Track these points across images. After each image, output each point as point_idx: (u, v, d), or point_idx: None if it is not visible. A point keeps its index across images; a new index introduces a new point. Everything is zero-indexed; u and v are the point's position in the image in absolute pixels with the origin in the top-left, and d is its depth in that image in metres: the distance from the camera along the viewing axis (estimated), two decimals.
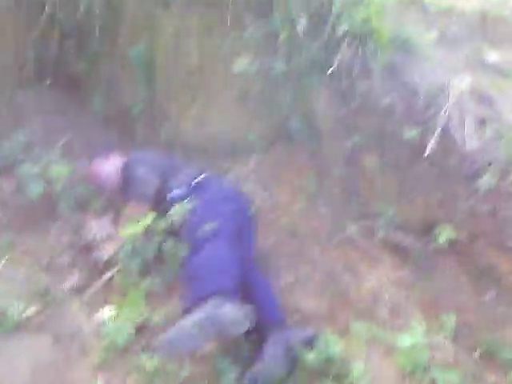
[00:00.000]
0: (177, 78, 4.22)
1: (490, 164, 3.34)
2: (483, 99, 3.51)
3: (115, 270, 3.09)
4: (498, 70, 3.83)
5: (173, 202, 3.22)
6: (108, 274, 3.12)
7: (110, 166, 3.75)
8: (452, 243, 3.46)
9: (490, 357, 3.04)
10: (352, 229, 3.61)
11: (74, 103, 4.78)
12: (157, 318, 2.88)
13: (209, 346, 2.81)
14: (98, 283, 3.10)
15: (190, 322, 2.59)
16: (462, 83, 3.50)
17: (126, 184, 3.52)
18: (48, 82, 4.76)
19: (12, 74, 4.77)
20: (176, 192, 3.33)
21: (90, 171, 3.78)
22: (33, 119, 4.58)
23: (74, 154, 4.16)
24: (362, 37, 3.59)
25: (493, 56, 3.90)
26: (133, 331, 2.76)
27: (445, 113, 3.44)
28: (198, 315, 2.60)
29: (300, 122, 3.83)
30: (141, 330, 2.85)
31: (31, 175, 3.66)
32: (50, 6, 4.57)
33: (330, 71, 3.65)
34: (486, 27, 4.10)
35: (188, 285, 2.84)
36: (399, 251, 3.58)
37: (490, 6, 4.16)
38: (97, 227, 3.45)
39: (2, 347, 2.52)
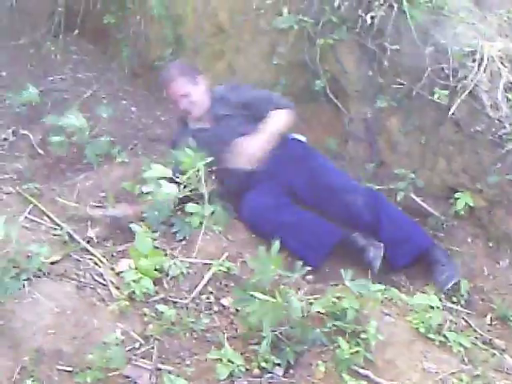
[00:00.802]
0: (205, 32, 4.21)
1: None
2: None
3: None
4: None
5: None
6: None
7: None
8: (471, 210, 3.45)
9: (501, 322, 3.06)
10: None
11: (101, 55, 4.81)
12: (176, 271, 2.94)
13: (228, 301, 2.88)
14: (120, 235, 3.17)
15: None
16: (492, 48, 3.44)
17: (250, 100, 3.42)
18: (76, 33, 4.80)
19: (41, 22, 4.80)
20: None
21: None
22: (60, 69, 4.63)
23: (101, 106, 4.20)
24: None
25: None
26: (151, 283, 2.81)
27: (474, 76, 3.39)
28: None
29: (326, 81, 3.81)
30: (159, 281, 2.92)
31: (58, 126, 3.69)
32: None
33: (360, 29, 3.62)
34: None
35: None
36: (418, 215, 3.58)
37: None
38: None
39: (26, 292, 2.59)
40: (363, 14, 3.61)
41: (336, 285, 2.83)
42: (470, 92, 3.38)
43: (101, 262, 2.94)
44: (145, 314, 2.69)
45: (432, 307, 2.78)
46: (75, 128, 3.67)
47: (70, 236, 3.07)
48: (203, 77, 3.56)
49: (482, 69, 3.40)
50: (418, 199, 3.58)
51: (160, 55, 4.40)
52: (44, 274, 2.73)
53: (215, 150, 3.21)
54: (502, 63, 3.44)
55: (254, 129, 3.27)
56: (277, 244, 2.60)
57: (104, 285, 2.83)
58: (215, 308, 2.85)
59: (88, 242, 3.10)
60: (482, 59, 3.41)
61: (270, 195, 3.24)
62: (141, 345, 2.55)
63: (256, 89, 3.54)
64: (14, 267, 2.63)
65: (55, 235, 3.09)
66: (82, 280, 2.80)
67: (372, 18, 3.59)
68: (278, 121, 3.23)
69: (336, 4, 3.65)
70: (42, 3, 4.79)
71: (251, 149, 3.14)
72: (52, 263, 2.82)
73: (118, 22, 4.71)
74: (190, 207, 3.20)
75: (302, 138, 3.50)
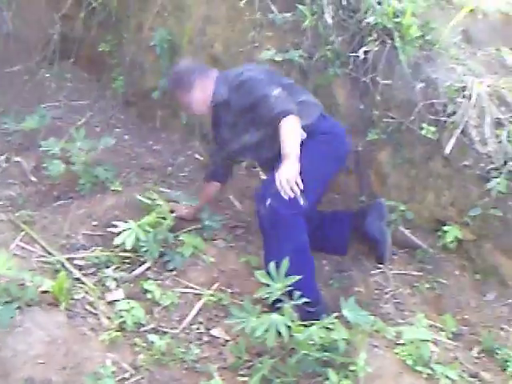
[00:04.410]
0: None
1: (504, 166, 3.36)
2: (501, 101, 3.51)
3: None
4: None
5: None
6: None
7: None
8: (459, 243, 3.50)
9: (488, 355, 3.08)
10: None
11: (96, 83, 4.86)
12: (167, 301, 2.96)
13: (218, 332, 2.90)
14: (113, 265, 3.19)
15: None
16: (481, 84, 3.51)
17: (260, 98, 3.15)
18: (71, 61, 4.85)
19: (36, 50, 4.85)
20: None
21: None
22: (55, 96, 4.67)
23: (94, 134, 4.25)
24: (389, 31, 3.60)
25: None
26: (143, 313, 2.83)
27: (464, 112, 3.46)
28: None
29: None
30: (150, 311, 2.94)
31: (52, 153, 3.72)
32: None
33: (353, 63, 3.69)
34: (508, 29, 4.09)
35: None
36: (407, 247, 3.63)
37: None
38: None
39: (18, 321, 2.60)
40: (357, 49, 3.68)
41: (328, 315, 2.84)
42: (459, 127, 3.44)
43: (92, 290, 2.95)
44: (135, 344, 2.71)
45: (420, 340, 2.81)
46: (71, 156, 3.70)
47: (62, 264, 3.08)
48: (204, 75, 3.37)
49: (471, 105, 3.47)
50: (406, 231, 3.62)
51: (154, 84, 4.44)
52: (35, 303, 2.74)
53: (224, 136, 3.40)
54: (490, 99, 3.50)
55: (257, 132, 3.24)
56: (286, 263, 2.64)
57: (95, 314, 2.84)
58: (205, 338, 2.88)
59: (79, 269, 3.11)
60: (471, 95, 3.48)
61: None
62: (131, 375, 2.57)
63: (255, 87, 3.19)
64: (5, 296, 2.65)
65: (46, 263, 3.10)
66: (73, 309, 2.81)
67: (365, 53, 3.65)
68: (292, 135, 2.99)
69: (330, 39, 3.72)
70: (37, 30, 4.83)
71: (291, 180, 2.84)
72: (43, 292, 2.82)
73: (113, 50, 4.77)
74: (183, 236, 3.25)
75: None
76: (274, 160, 3.03)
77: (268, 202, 2.96)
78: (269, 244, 3.11)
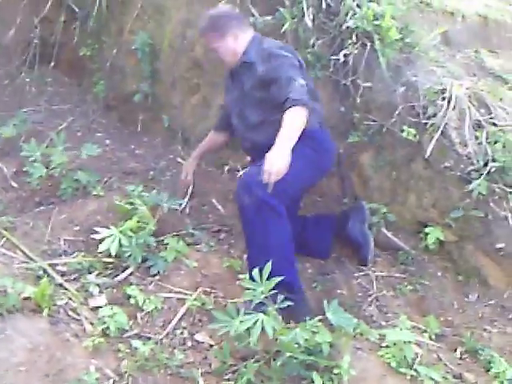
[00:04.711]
0: (180, 67, 4.26)
1: (484, 167, 3.38)
2: (481, 103, 3.55)
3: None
4: (495, 75, 3.88)
5: None
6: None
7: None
8: (441, 244, 3.53)
9: (471, 356, 3.10)
10: None
11: (77, 88, 4.84)
12: (150, 306, 2.96)
13: (202, 336, 2.90)
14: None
15: None
16: (461, 86, 3.54)
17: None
18: (51, 65, 4.82)
19: (16, 54, 4.82)
20: None
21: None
22: (35, 101, 4.64)
23: (76, 138, 4.23)
24: (369, 34, 3.62)
25: (491, 61, 3.95)
26: (126, 318, 2.82)
27: (444, 114, 3.48)
28: None
29: None
30: (134, 316, 2.92)
31: (33, 159, 3.69)
32: None
33: (333, 66, 3.70)
34: (486, 32, 4.14)
35: None
36: (389, 249, 3.65)
37: (491, 10, 4.20)
38: None
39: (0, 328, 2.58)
40: (337, 52, 3.69)
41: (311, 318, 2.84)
42: (440, 129, 3.47)
43: (75, 296, 2.94)
44: (119, 350, 2.69)
45: (404, 342, 2.82)
46: (52, 160, 3.68)
47: (44, 270, 3.06)
48: (241, 27, 3.30)
49: (451, 106, 3.49)
50: (389, 234, 3.64)
51: (135, 88, 4.43)
52: (17, 310, 2.71)
53: (232, 95, 3.37)
54: (469, 101, 3.54)
55: (258, 114, 3.22)
56: (269, 266, 2.65)
57: (78, 320, 2.82)
58: (189, 343, 2.87)
59: (62, 275, 3.09)
60: (450, 97, 3.51)
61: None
62: (115, 381, 2.55)
63: (284, 67, 3.11)
64: None
65: (28, 269, 3.07)
66: (56, 315, 2.79)
67: (345, 56, 3.67)
68: (296, 124, 2.95)
69: (311, 42, 3.73)
70: (17, 35, 4.80)
71: (279, 164, 2.84)
72: (25, 298, 2.80)
73: (94, 54, 4.75)
74: (166, 241, 3.25)
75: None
76: (261, 146, 3.01)
77: (254, 190, 2.93)
78: (253, 232, 3.04)
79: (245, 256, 3.35)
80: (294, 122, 2.93)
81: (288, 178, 2.85)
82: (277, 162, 2.81)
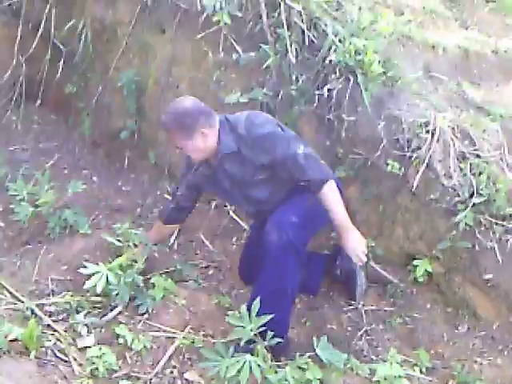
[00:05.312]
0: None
1: (470, 199, 3.41)
2: (464, 135, 3.59)
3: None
4: (477, 106, 3.92)
5: None
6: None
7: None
8: (430, 276, 3.54)
9: None
10: None
11: (63, 125, 4.85)
12: (139, 345, 2.93)
13: (192, 375, 2.87)
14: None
15: None
16: (444, 119, 3.58)
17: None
18: (38, 103, 4.83)
19: (2, 92, 4.82)
20: None
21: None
22: (22, 139, 4.65)
23: (62, 176, 4.23)
24: (352, 69, 3.66)
25: (473, 93, 4.00)
26: (115, 358, 2.79)
27: (428, 147, 3.51)
28: None
29: None
30: (122, 356, 2.90)
31: (20, 197, 3.69)
32: (44, 25, 4.65)
33: (318, 101, 3.73)
34: (467, 64, 4.19)
35: None
36: (378, 283, 3.65)
37: (472, 42, 4.27)
38: None
39: None
40: (321, 87, 3.73)
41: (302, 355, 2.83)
42: (424, 162, 3.50)
43: (63, 337, 2.91)
44: None
45: (394, 376, 2.82)
46: (39, 199, 3.67)
47: (32, 311, 3.04)
48: (208, 123, 3.07)
49: (435, 139, 3.53)
50: (377, 267, 3.65)
51: (122, 125, 4.45)
52: (4, 353, 2.68)
53: (222, 185, 3.25)
54: (453, 134, 3.57)
55: (267, 188, 3.17)
56: (257, 303, 2.66)
57: (66, 361, 2.80)
58: (179, 383, 2.85)
59: (50, 316, 3.07)
60: (434, 130, 3.54)
61: None
62: None
63: (277, 144, 3.04)
64: None
65: (16, 310, 3.05)
66: (44, 357, 2.76)
67: (329, 90, 3.70)
68: (337, 202, 3.06)
69: (294, 78, 3.76)
70: (2, 72, 4.81)
71: (358, 242, 3.07)
72: (12, 340, 2.76)
73: (80, 91, 4.77)
74: (154, 279, 3.24)
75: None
76: (269, 211, 3.09)
77: (285, 231, 2.95)
78: (272, 267, 2.99)
79: (234, 292, 3.35)
80: (337, 202, 3.07)
81: (309, 226, 3.05)
82: (356, 242, 3.05)
